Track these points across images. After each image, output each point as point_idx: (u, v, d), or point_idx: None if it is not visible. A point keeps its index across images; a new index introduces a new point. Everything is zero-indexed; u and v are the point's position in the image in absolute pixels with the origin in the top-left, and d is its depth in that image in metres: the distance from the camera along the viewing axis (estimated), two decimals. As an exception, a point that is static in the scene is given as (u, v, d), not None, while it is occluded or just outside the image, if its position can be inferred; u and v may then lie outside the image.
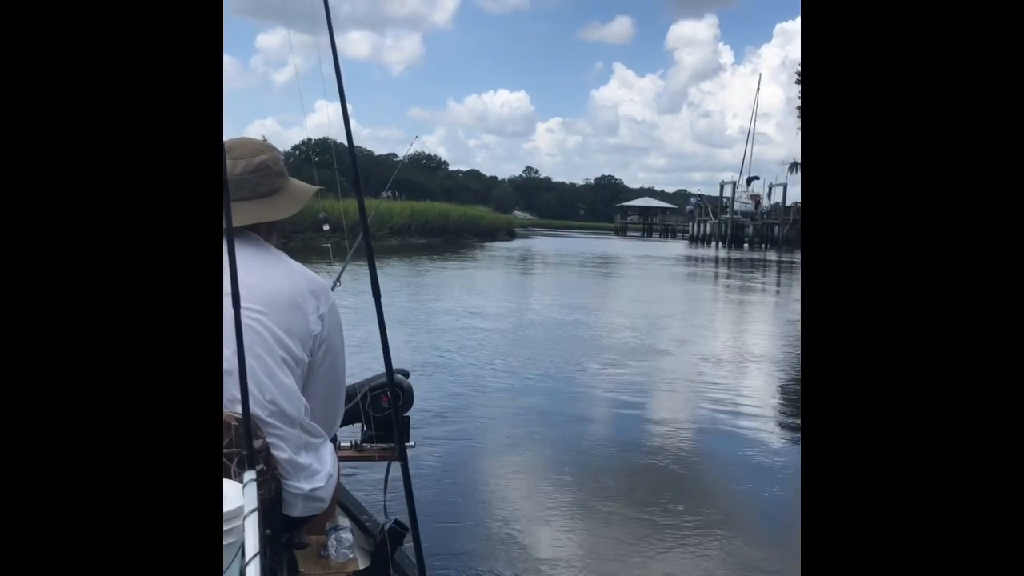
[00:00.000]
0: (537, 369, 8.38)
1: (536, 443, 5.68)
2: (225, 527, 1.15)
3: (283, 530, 1.79)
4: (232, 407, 1.64)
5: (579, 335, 10.91)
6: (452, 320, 11.64)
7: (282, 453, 1.72)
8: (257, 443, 1.68)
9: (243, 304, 1.47)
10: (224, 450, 1.64)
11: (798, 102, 59.73)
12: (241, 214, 1.76)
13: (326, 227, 2.08)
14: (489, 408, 6.66)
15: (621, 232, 77.97)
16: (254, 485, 1.25)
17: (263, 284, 1.72)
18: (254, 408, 1.66)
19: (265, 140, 2.05)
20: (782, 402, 7.44)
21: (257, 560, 0.96)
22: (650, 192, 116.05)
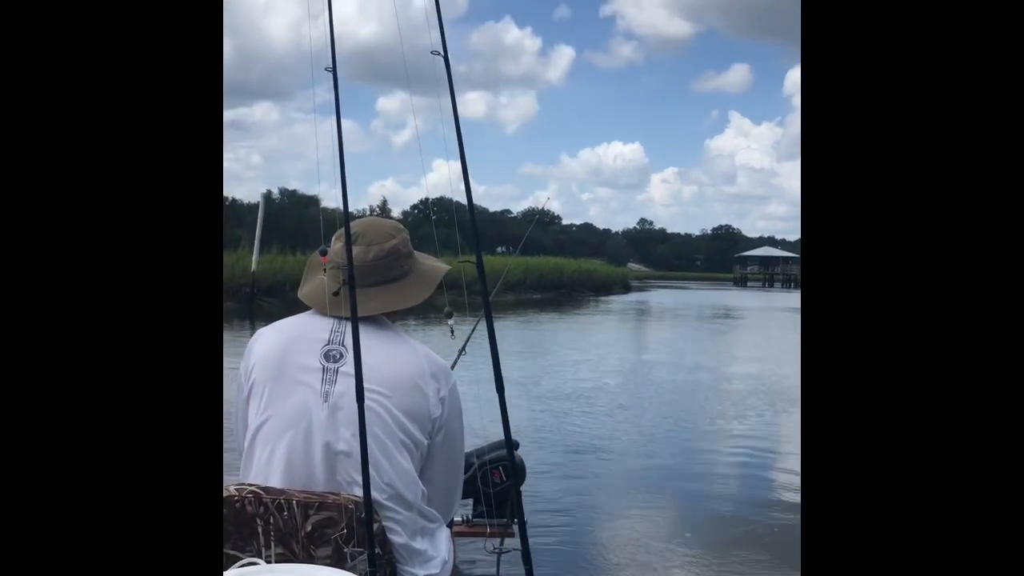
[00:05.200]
0: (664, 425, 8.15)
1: (657, 503, 5.49)
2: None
3: (398, 615, 1.76)
4: (351, 489, 1.64)
5: (707, 387, 10.60)
6: (571, 376, 11.55)
7: (398, 538, 1.70)
8: (374, 527, 1.67)
9: (366, 386, 1.49)
10: (340, 533, 1.64)
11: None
12: (372, 301, 1.78)
13: (450, 322, 1.95)
14: (610, 468, 6.51)
15: (741, 283, 76.07)
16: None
17: (386, 366, 1.71)
18: (372, 491, 1.65)
19: (393, 220, 2.04)
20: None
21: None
22: (770, 241, 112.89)
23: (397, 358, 1.75)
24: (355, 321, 1.45)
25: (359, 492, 1.59)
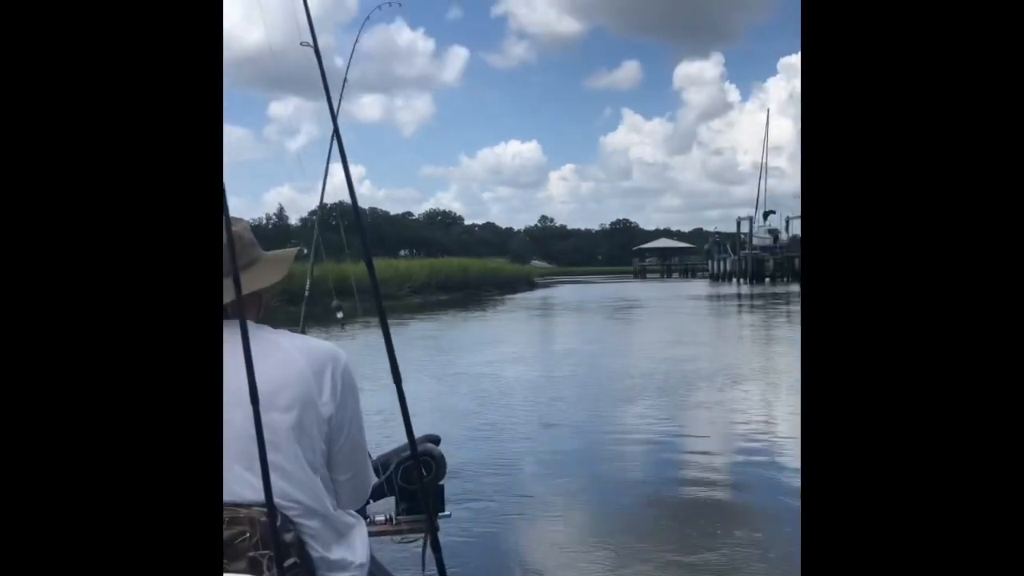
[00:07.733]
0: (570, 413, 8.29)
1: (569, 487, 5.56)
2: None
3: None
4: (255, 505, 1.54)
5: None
6: (486, 370, 11.62)
7: (314, 551, 1.63)
8: (288, 536, 1.58)
9: (241, 403, 1.30)
10: (253, 545, 1.54)
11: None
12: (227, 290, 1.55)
13: (340, 315, 1.88)
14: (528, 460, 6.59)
15: (640, 275, 77.78)
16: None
17: (260, 375, 1.40)
18: (283, 506, 1.57)
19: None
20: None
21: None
22: (666, 233, 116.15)
23: (270, 363, 1.58)
24: (243, 324, 1.31)
25: (278, 503, 1.50)
